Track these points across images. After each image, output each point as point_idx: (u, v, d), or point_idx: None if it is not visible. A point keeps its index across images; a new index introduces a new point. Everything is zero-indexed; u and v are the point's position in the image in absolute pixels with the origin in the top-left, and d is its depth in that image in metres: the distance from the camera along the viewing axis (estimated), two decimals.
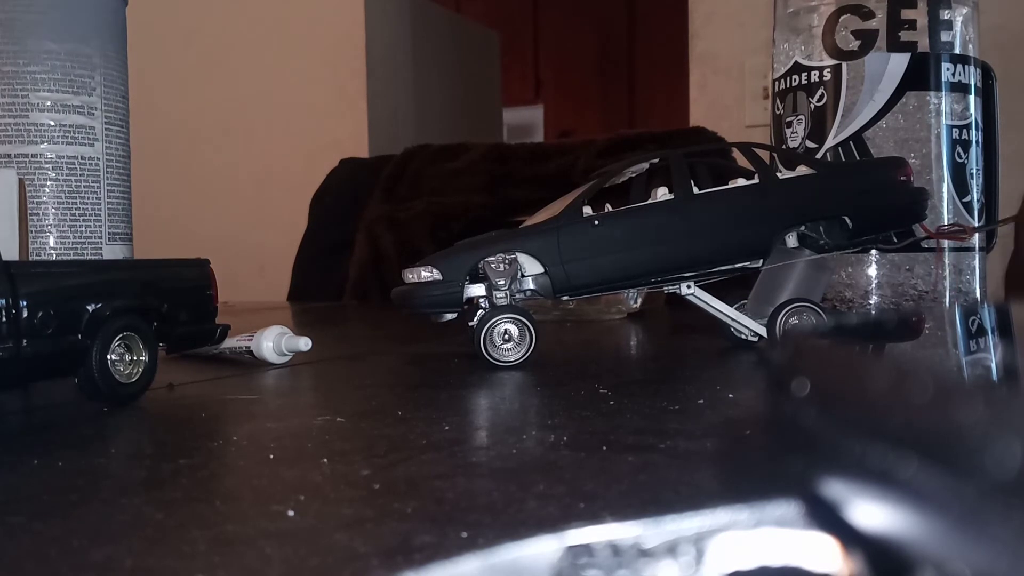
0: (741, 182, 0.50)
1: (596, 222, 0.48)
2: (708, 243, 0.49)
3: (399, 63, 2.35)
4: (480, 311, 0.48)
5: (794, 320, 0.49)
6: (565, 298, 0.50)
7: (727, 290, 0.53)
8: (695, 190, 0.49)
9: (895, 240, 0.59)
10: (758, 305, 0.52)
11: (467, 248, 0.49)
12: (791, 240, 0.51)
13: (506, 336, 0.47)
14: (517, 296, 0.49)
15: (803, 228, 0.51)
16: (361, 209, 1.44)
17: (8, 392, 0.41)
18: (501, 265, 0.48)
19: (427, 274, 0.48)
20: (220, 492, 0.24)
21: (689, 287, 0.50)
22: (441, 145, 1.51)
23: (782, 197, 0.50)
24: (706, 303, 0.51)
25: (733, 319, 0.52)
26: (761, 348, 0.52)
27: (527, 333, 0.47)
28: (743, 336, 0.53)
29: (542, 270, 0.48)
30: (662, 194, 0.49)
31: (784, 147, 0.64)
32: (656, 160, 0.52)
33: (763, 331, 0.51)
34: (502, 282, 0.47)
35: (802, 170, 0.52)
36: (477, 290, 0.48)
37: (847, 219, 0.50)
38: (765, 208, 0.49)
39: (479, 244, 0.49)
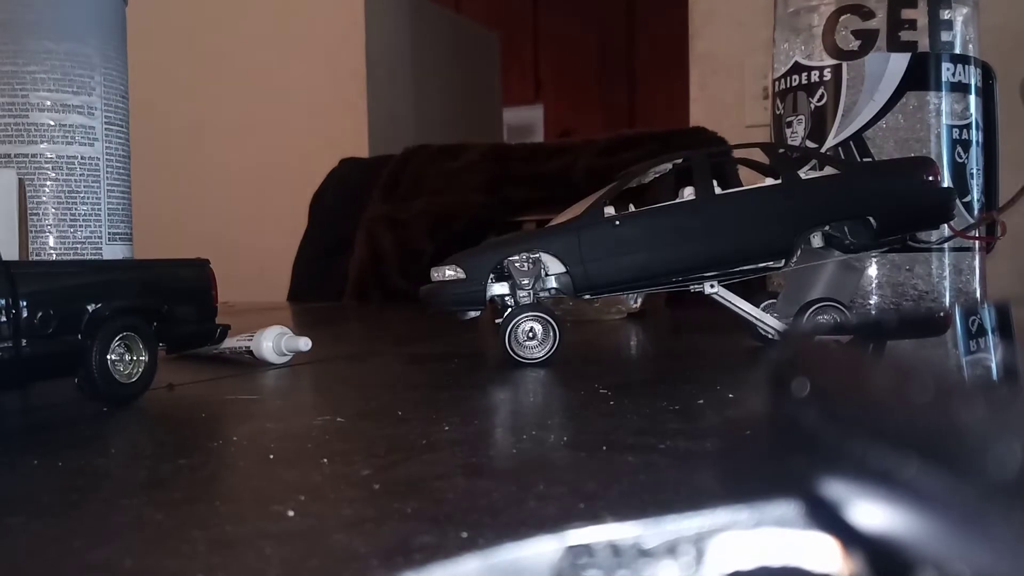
0: (768, 182, 0.50)
1: (617, 222, 0.48)
2: (728, 243, 0.49)
3: (398, 63, 2.35)
4: (508, 309, 0.48)
5: (820, 319, 0.49)
6: (587, 297, 0.50)
7: (751, 292, 0.53)
8: (717, 190, 0.49)
9: (930, 240, 0.58)
10: (787, 305, 0.52)
11: (491, 247, 0.50)
12: (816, 240, 0.51)
13: (531, 334, 0.47)
14: (541, 295, 0.49)
15: (827, 228, 0.51)
16: (361, 209, 1.44)
17: (8, 392, 0.41)
18: (525, 264, 0.48)
19: (451, 273, 0.49)
20: (220, 492, 0.24)
21: (712, 286, 0.50)
22: (441, 145, 1.50)
23: (804, 198, 0.49)
24: (730, 302, 0.51)
25: (757, 318, 0.52)
26: (765, 348, 0.52)
27: (551, 331, 0.48)
28: (770, 336, 0.53)
29: (564, 269, 0.49)
30: (688, 194, 0.49)
31: (808, 148, 0.63)
32: (679, 160, 0.52)
33: None
34: (525, 281, 0.48)
35: (827, 170, 0.52)
36: (501, 289, 0.49)
37: (871, 219, 0.50)
38: (786, 209, 0.49)
39: (503, 244, 0.50)
